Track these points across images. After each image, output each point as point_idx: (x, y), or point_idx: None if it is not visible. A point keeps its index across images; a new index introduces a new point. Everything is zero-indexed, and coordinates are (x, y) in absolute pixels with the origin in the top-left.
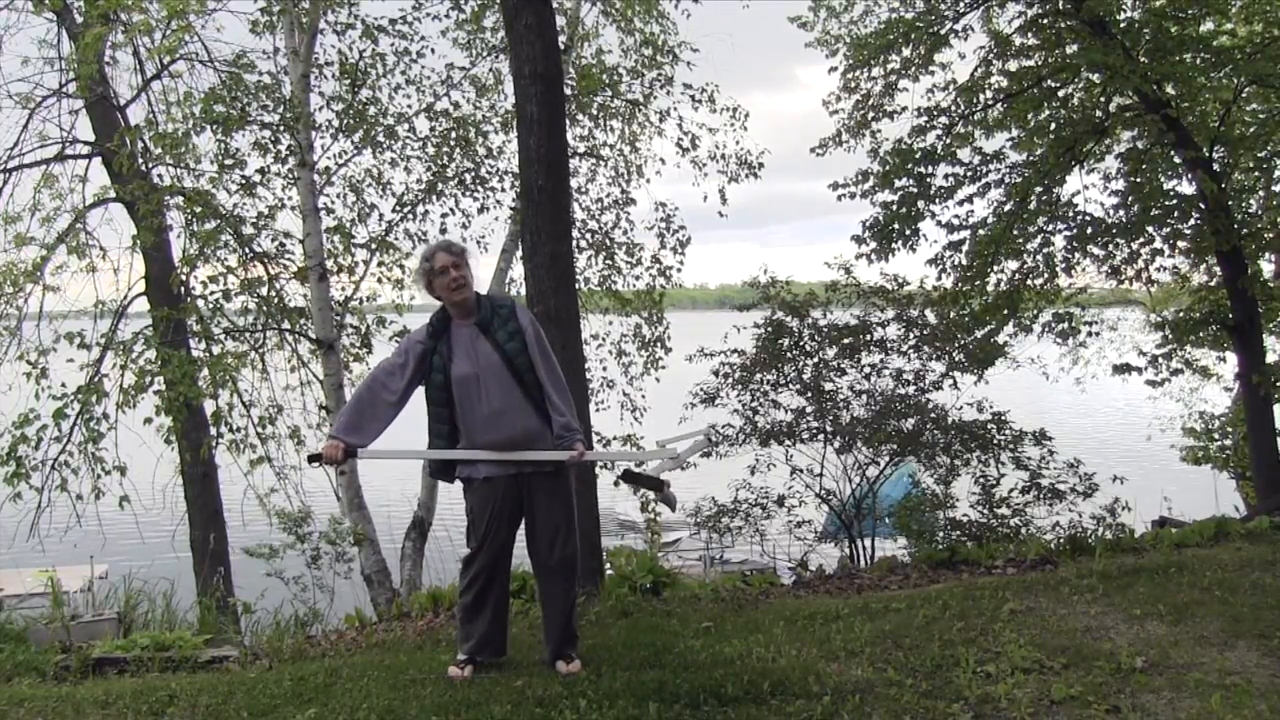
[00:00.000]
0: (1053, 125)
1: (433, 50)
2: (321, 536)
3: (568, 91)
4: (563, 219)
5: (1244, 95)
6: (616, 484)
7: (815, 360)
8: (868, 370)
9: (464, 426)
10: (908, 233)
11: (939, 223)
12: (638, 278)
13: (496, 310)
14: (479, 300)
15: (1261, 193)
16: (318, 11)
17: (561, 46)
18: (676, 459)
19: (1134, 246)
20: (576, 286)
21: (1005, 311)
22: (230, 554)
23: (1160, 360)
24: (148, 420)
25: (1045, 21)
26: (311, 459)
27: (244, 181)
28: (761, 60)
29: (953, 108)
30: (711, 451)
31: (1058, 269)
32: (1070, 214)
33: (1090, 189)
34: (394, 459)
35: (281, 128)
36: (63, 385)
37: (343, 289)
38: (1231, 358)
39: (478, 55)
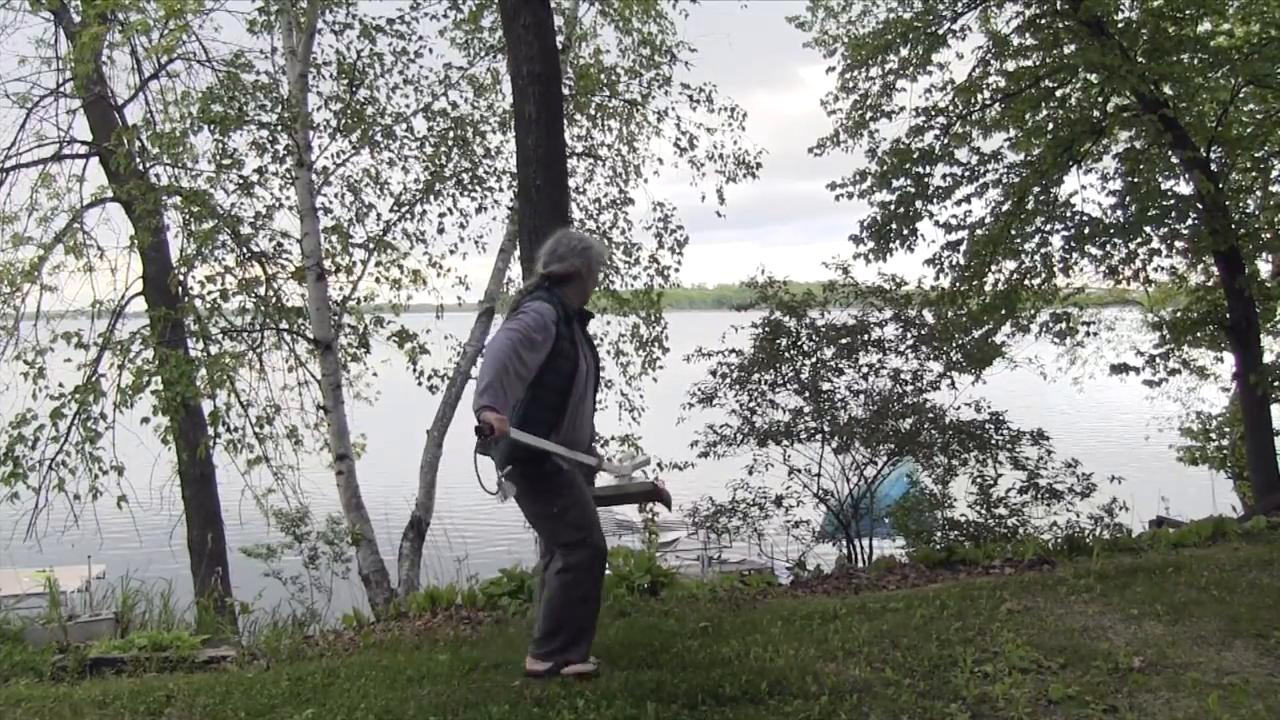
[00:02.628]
0: (1050, 125)
1: (430, 50)
2: (319, 536)
3: (565, 91)
4: (560, 218)
5: (1241, 95)
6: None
7: (813, 360)
8: (865, 370)
9: (566, 420)
10: (905, 233)
11: (937, 223)
12: (635, 278)
13: None
14: None
15: (1259, 192)
16: (315, 11)
17: (559, 46)
18: (625, 474)
19: (1131, 246)
20: None
21: (1003, 311)
22: (228, 554)
23: (1158, 360)
24: (145, 420)
25: (1043, 21)
26: (483, 433)
27: (241, 181)
28: (764, 60)
29: (950, 108)
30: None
31: (1055, 269)
32: (1068, 214)
33: (1088, 189)
34: (535, 446)
35: (279, 127)
36: (60, 385)
37: (340, 289)
38: (1229, 358)
39: (476, 55)
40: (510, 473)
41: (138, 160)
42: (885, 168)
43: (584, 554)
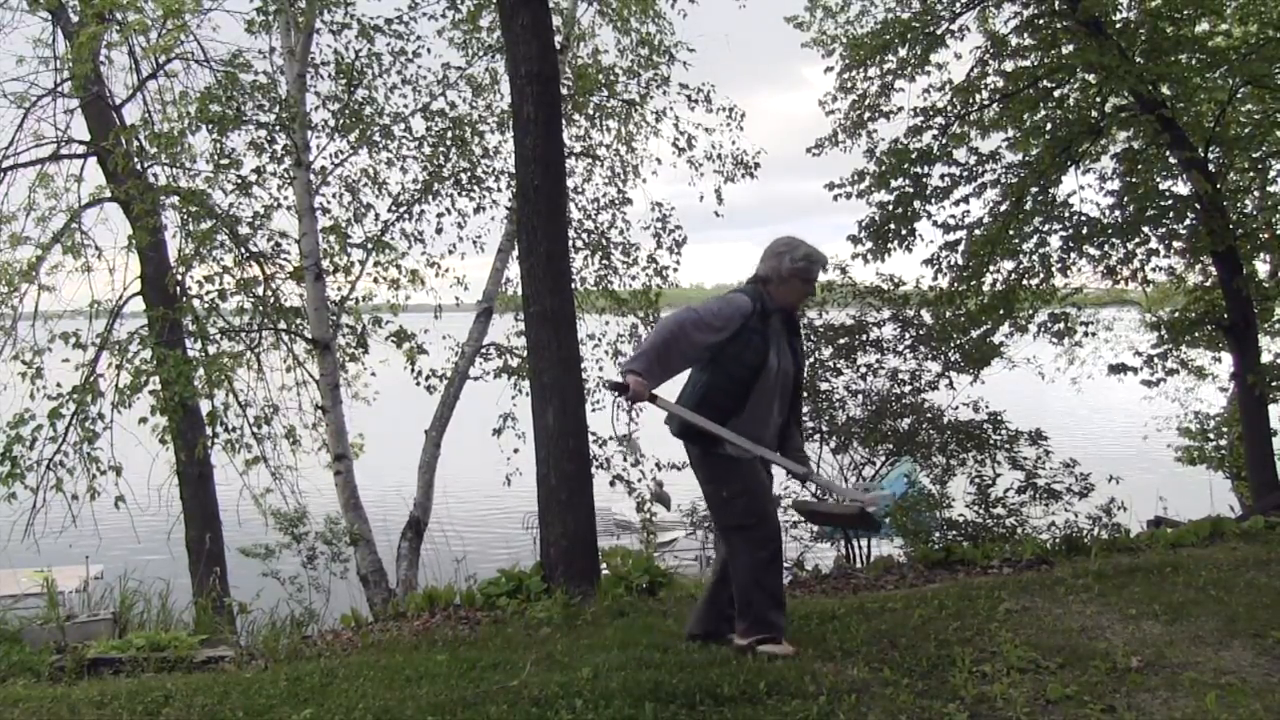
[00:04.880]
0: (1048, 125)
1: (429, 50)
2: (317, 536)
3: (564, 91)
4: (559, 218)
5: (1239, 96)
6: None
7: (811, 360)
8: (864, 370)
9: (747, 412)
10: (904, 233)
11: (935, 223)
12: (634, 278)
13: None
14: None
15: (1256, 193)
16: (314, 11)
17: (558, 46)
18: (856, 499)
19: (1129, 246)
20: (573, 286)
21: (1001, 311)
22: (226, 554)
23: (1156, 360)
24: (143, 420)
25: (1041, 22)
26: (613, 387)
27: (240, 181)
28: (765, 59)
29: (949, 108)
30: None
31: (1053, 269)
32: (1066, 214)
33: (1086, 189)
34: (684, 418)
35: (277, 127)
36: (58, 385)
37: (338, 289)
38: (1227, 358)
39: (474, 55)
40: (698, 453)
41: (136, 160)
42: (883, 168)
43: (744, 541)
